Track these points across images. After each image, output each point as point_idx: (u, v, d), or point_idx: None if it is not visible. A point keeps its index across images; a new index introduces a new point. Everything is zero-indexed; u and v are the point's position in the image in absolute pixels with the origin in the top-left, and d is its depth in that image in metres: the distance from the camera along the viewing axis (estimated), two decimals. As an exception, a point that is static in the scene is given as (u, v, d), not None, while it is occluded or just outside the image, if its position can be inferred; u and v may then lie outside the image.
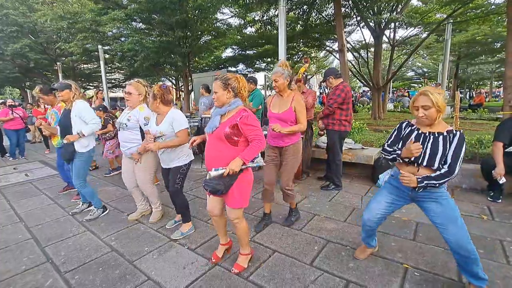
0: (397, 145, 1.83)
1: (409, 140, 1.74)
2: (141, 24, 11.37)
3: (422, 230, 2.55)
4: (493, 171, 2.91)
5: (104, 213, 3.20)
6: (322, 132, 3.80)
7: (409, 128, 1.81)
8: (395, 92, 18.79)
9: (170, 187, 2.62)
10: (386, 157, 1.86)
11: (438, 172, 1.64)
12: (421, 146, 1.66)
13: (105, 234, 2.71)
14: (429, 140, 1.70)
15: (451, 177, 1.62)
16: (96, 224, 2.94)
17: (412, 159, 1.71)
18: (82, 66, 18.29)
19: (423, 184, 1.64)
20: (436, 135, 1.69)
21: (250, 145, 1.81)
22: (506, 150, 3.00)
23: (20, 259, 2.33)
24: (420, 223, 2.67)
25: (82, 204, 3.34)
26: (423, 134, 1.73)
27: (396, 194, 1.88)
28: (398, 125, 1.89)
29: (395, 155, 1.79)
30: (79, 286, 1.96)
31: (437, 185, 1.63)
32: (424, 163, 1.68)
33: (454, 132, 1.66)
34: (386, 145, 1.89)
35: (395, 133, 1.88)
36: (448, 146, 1.64)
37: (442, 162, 1.65)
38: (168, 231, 2.73)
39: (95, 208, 3.15)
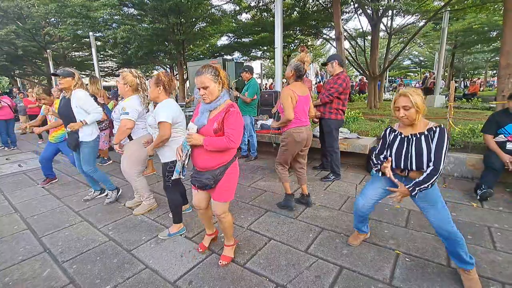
0: (384, 154, 1.90)
1: (386, 160, 1.84)
2: (133, 10, 11.02)
3: (414, 218, 2.62)
4: (507, 161, 2.86)
5: (120, 193, 3.32)
6: (317, 120, 3.80)
7: (393, 134, 1.86)
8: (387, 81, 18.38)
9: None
10: (374, 166, 1.95)
11: (425, 174, 1.66)
12: (388, 166, 1.78)
13: (102, 224, 2.72)
14: (412, 142, 1.74)
15: (438, 175, 1.63)
16: (92, 214, 2.94)
17: (402, 165, 1.77)
18: (73, 54, 17.78)
19: (416, 191, 1.68)
20: (418, 135, 1.72)
21: (221, 138, 1.72)
22: (495, 140, 3.05)
23: (16, 250, 2.33)
24: (412, 210, 2.74)
25: (94, 192, 3.38)
26: (406, 138, 1.77)
27: (391, 183, 1.91)
28: (383, 133, 1.96)
29: (378, 167, 1.90)
30: (78, 275, 1.98)
31: (429, 186, 1.65)
32: (414, 167, 1.73)
33: (434, 128, 1.68)
34: (375, 154, 1.96)
35: (381, 142, 1.95)
36: (431, 144, 1.67)
37: (430, 162, 1.68)
38: (166, 220, 2.75)
39: (110, 190, 3.26)
